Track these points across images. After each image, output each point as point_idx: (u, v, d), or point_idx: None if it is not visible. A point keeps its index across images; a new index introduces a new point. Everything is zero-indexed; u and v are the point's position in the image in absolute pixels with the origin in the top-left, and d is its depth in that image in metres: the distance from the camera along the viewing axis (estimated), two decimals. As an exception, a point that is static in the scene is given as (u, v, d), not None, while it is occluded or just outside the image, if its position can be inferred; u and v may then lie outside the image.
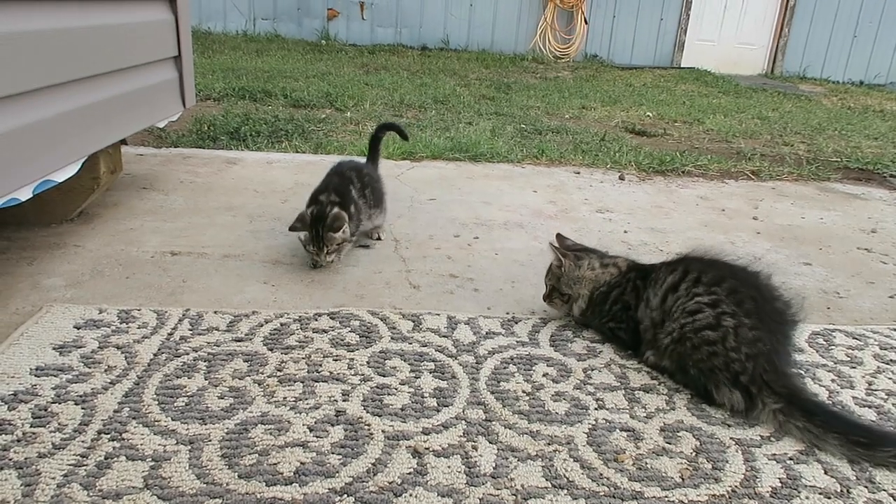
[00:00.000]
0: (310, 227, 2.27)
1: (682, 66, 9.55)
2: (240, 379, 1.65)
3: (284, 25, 9.14)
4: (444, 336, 1.91)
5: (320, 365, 1.73)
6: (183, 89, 3.02)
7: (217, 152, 3.75)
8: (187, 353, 1.74)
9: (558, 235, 2.17)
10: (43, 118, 1.99)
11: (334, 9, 9.13)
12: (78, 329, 1.81)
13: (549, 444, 1.49)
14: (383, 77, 6.66)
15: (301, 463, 1.38)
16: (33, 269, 2.18)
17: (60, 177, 2.13)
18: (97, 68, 2.28)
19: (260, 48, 7.92)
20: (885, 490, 1.40)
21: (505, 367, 1.78)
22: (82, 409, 1.49)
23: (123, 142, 2.73)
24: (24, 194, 1.95)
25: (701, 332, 1.66)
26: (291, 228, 2.30)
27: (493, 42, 9.40)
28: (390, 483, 1.34)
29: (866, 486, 1.41)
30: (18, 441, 1.38)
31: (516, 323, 2.02)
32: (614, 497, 1.34)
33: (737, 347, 1.61)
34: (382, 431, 1.49)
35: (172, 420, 1.48)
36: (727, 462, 1.46)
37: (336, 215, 2.25)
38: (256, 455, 1.39)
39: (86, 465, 1.33)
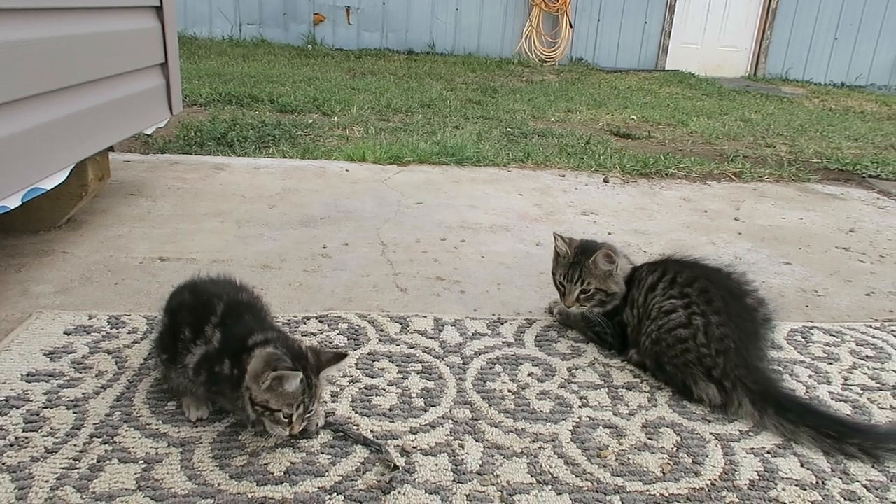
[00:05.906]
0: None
1: (666, 68, 9.65)
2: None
3: (270, 30, 9.15)
4: (431, 338, 1.94)
5: (309, 367, 1.75)
6: (170, 96, 3.04)
7: (204, 158, 3.76)
8: (177, 358, 1.76)
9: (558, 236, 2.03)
10: (31, 127, 2.00)
11: (320, 14, 9.16)
12: (68, 335, 1.83)
13: (534, 441, 1.52)
14: (370, 81, 6.69)
15: (291, 463, 1.40)
16: (22, 276, 2.19)
17: (49, 184, 2.15)
18: (84, 76, 2.30)
19: (246, 53, 7.92)
20: (858, 482, 1.45)
21: (491, 368, 1.81)
22: (74, 413, 1.51)
23: (111, 148, 2.74)
24: (13, 202, 1.96)
25: (674, 331, 1.72)
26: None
27: (479, 46, 9.46)
28: (379, 481, 1.36)
29: (840, 478, 1.46)
30: (11, 446, 1.40)
31: (502, 324, 2.06)
32: (597, 492, 1.38)
33: (707, 343, 1.67)
34: (371, 431, 1.52)
35: (163, 423, 1.50)
36: (707, 456, 1.50)
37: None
38: (247, 456, 1.42)
39: (78, 468, 1.35)
